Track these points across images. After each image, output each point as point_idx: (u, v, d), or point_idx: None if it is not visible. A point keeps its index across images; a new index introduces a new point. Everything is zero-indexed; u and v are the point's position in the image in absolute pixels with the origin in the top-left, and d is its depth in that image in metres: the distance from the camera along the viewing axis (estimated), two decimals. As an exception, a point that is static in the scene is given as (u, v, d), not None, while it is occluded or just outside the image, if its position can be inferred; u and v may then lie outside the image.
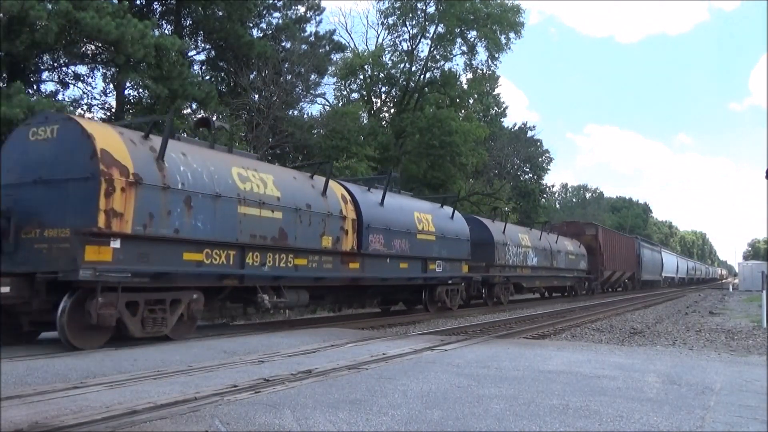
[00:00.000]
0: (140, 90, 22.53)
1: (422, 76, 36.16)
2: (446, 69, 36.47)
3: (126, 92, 22.66)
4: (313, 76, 27.58)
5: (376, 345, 8.88)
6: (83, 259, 7.91)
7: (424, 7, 34.94)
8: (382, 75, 36.55)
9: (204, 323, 12.59)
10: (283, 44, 26.02)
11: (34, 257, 8.31)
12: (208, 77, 24.63)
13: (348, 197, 13.26)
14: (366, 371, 6.52)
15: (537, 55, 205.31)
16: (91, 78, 22.15)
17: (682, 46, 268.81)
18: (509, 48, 36.47)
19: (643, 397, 5.37)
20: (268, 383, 5.71)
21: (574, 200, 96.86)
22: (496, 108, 47.71)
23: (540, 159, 50.05)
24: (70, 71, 20.93)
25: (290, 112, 26.21)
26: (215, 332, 10.62)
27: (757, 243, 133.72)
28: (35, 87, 18.93)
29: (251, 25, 25.02)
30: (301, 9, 27.60)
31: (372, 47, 37.34)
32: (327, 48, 29.15)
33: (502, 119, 48.55)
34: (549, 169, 51.80)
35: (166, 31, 21.80)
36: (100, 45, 18.01)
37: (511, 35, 36.18)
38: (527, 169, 49.11)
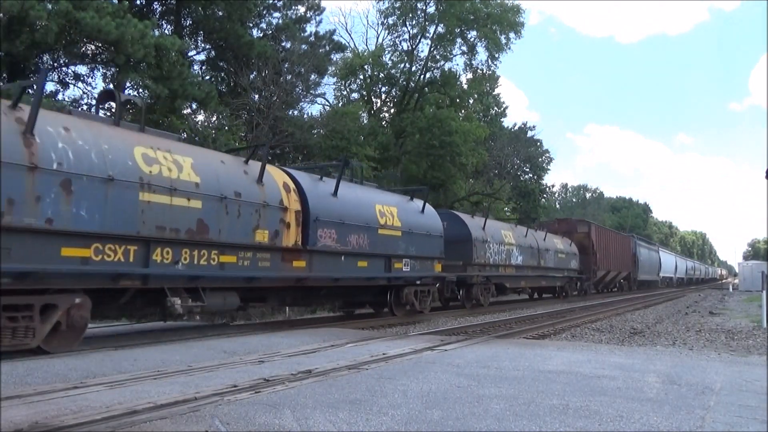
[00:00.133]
0: (140, 90, 22.52)
1: (422, 76, 36.17)
2: (446, 69, 36.49)
3: (126, 92, 22.65)
4: (313, 76, 27.58)
5: (376, 345, 8.88)
6: None
7: (424, 7, 34.95)
8: (382, 75, 36.55)
9: (204, 323, 12.61)
10: (283, 44, 26.02)
11: None
12: (208, 77, 24.63)
13: (292, 186, 11.62)
14: (366, 371, 6.52)
15: (537, 55, 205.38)
16: (91, 78, 22.16)
17: (682, 46, 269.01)
18: (509, 48, 36.50)
19: (643, 397, 5.37)
20: (268, 383, 5.71)
21: (574, 200, 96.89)
22: (496, 108, 47.69)
23: (540, 159, 50.02)
24: (70, 71, 20.93)
25: (290, 112, 26.21)
26: (215, 332, 10.63)
27: (757, 243, 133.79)
28: (35, 87, 18.89)
29: (251, 25, 25.02)
30: (301, 9, 27.62)
31: (372, 47, 37.38)
32: (327, 48, 29.15)
33: (502, 119, 48.54)
34: (549, 169, 51.77)
35: (166, 31, 21.81)
36: (100, 45, 18.01)
37: (511, 35, 36.20)
38: (527, 169, 49.08)
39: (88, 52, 19.14)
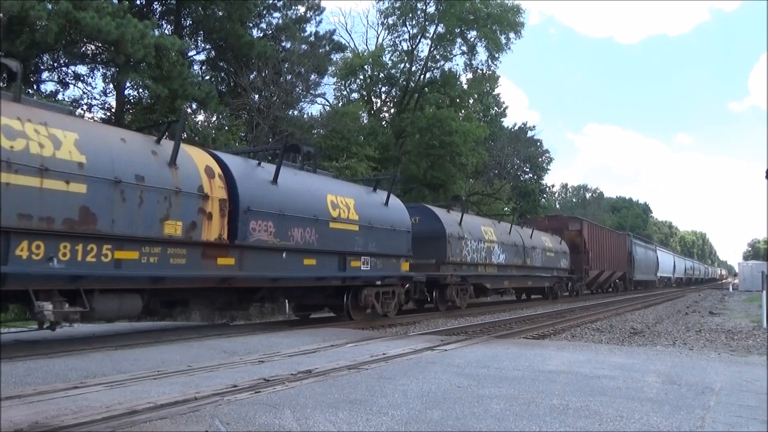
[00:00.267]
0: (140, 90, 22.53)
1: (422, 76, 36.18)
2: (446, 69, 36.50)
3: (126, 92, 22.67)
4: (313, 76, 27.57)
5: (376, 345, 8.88)
6: None
7: (424, 7, 34.95)
8: (382, 75, 36.56)
9: (204, 323, 12.61)
10: (283, 44, 26.01)
11: None
12: (208, 77, 24.62)
13: (217, 170, 9.95)
14: (366, 371, 6.52)
15: (537, 55, 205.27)
16: (91, 78, 22.18)
17: (682, 46, 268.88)
18: (509, 48, 36.49)
19: (643, 397, 5.37)
20: (268, 383, 5.71)
21: (574, 200, 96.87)
22: (496, 108, 47.71)
23: (540, 159, 50.03)
24: (70, 71, 20.94)
25: (290, 112, 26.20)
26: (215, 332, 10.62)
27: (757, 243, 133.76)
28: (35, 87, 18.93)
29: (251, 25, 25.01)
30: (301, 9, 27.61)
31: (372, 47, 37.38)
32: (327, 48, 29.13)
33: (502, 119, 48.57)
34: (549, 169, 51.77)
35: (166, 31, 21.80)
36: (100, 45, 18.02)
37: (511, 35, 36.19)
38: (527, 169, 49.08)
39: (88, 52, 19.15)
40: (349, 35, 44.63)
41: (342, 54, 33.71)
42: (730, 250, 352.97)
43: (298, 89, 26.48)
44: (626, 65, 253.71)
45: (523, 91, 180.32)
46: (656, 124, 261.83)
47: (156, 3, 23.59)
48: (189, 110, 22.32)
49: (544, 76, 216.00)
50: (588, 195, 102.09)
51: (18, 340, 9.26)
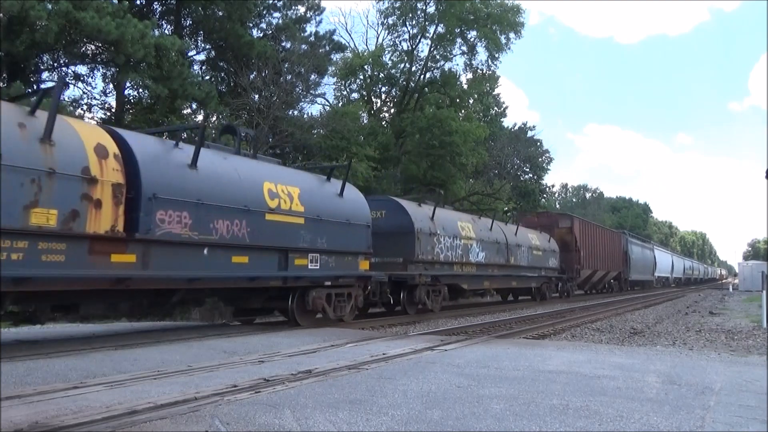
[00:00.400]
0: (140, 90, 22.53)
1: (422, 76, 36.17)
2: (446, 69, 36.48)
3: (126, 92, 22.67)
4: (313, 76, 27.56)
5: (376, 345, 8.88)
6: None
7: (424, 7, 34.94)
8: (382, 75, 36.54)
9: (204, 323, 12.60)
10: (283, 44, 26.01)
11: None
12: (208, 77, 24.62)
13: (113, 149, 8.29)
14: (366, 371, 6.52)
15: (537, 55, 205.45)
16: (91, 78, 22.16)
17: (682, 46, 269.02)
18: (509, 48, 36.47)
19: (643, 397, 5.37)
20: (268, 383, 5.71)
21: (574, 200, 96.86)
22: (496, 108, 47.70)
23: (540, 159, 50.02)
24: (70, 71, 20.93)
25: (290, 112, 26.19)
26: (215, 332, 10.62)
27: (757, 243, 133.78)
28: (35, 87, 18.91)
29: (251, 25, 25.01)
30: (301, 9, 27.60)
31: (372, 47, 37.36)
32: (327, 48, 29.13)
33: (502, 119, 48.56)
34: (549, 169, 51.78)
35: (166, 31, 21.80)
36: (100, 45, 18.00)
37: (511, 35, 36.17)
38: (527, 169, 49.07)
39: (88, 52, 19.14)
40: (349, 35, 44.67)
41: (342, 54, 33.73)
42: (730, 250, 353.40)
43: (298, 89, 26.47)
44: (626, 65, 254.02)
45: (523, 91, 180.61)
46: (656, 124, 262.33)
47: (156, 3, 23.59)
48: (189, 110, 22.36)
49: (544, 76, 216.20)
50: (588, 195, 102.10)
51: (18, 340, 9.26)
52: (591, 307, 22.43)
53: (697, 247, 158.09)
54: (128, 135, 9.04)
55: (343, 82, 36.47)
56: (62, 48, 17.97)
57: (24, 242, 7.24)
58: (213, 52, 25.34)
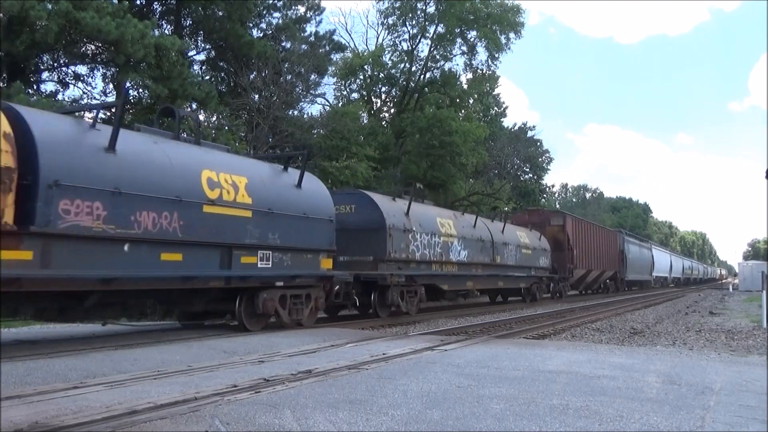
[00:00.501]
0: (140, 90, 22.53)
1: (422, 76, 36.18)
2: (446, 69, 36.50)
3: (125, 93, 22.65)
4: (313, 76, 27.58)
5: (376, 345, 8.88)
6: None
7: (424, 7, 34.95)
8: (382, 75, 36.56)
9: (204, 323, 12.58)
10: (283, 44, 26.03)
11: None
12: (208, 77, 24.63)
13: (4, 129, 7.18)
14: (366, 371, 6.52)
15: (537, 55, 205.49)
16: (91, 78, 22.19)
17: (682, 46, 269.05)
18: (509, 48, 36.49)
19: (643, 397, 5.37)
20: (268, 383, 5.71)
21: (574, 200, 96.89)
22: (496, 108, 47.71)
23: (540, 159, 50.05)
24: (70, 71, 20.95)
25: (290, 112, 26.21)
26: (215, 332, 10.62)
27: (757, 243, 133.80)
28: (35, 87, 18.94)
29: (251, 25, 25.03)
30: (301, 9, 27.62)
31: (372, 47, 37.38)
32: (327, 48, 29.15)
33: (502, 119, 48.58)
34: (549, 169, 51.82)
35: (166, 31, 21.81)
36: (100, 45, 18.01)
37: (511, 35, 36.19)
38: (527, 169, 49.10)
39: (88, 52, 19.15)
40: (349, 35, 44.66)
41: (342, 54, 33.76)
42: (730, 250, 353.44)
43: (298, 89, 26.49)
44: (626, 65, 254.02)
45: (523, 91, 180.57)
46: (656, 124, 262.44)
47: (156, 3, 23.60)
48: (189, 110, 22.35)
49: (544, 76, 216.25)
50: (588, 195, 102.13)
51: (18, 340, 9.27)
52: (591, 307, 22.43)
53: (697, 247, 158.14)
54: (27, 112, 7.84)
55: (343, 82, 36.50)
56: (62, 48, 17.97)
57: None
58: (213, 52, 25.36)
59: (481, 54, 37.13)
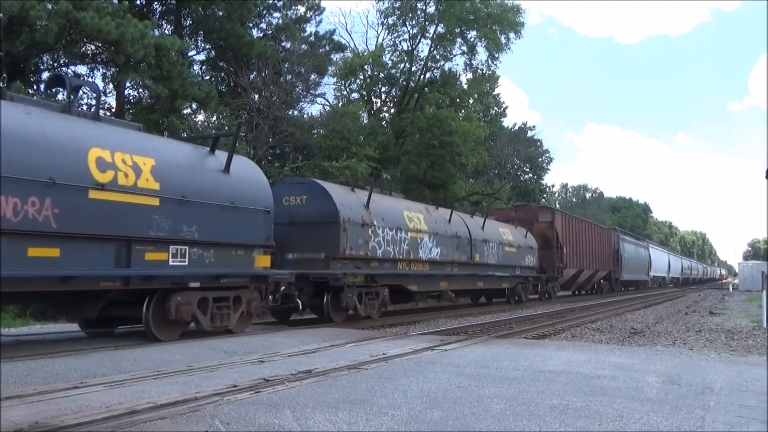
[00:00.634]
0: (140, 90, 22.54)
1: (422, 76, 36.18)
2: (446, 69, 36.50)
3: (126, 92, 22.67)
4: (313, 76, 27.57)
5: (376, 345, 8.88)
6: None
7: (424, 7, 34.95)
8: (382, 75, 36.56)
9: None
10: (283, 44, 26.03)
11: None
12: (208, 77, 24.64)
13: None
14: (366, 371, 6.52)
15: (537, 55, 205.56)
16: (91, 78, 22.17)
17: (682, 46, 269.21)
18: (509, 48, 36.48)
19: (643, 397, 5.37)
20: (268, 383, 5.71)
21: (574, 200, 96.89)
22: (496, 108, 47.73)
23: (540, 159, 50.08)
24: (70, 71, 20.93)
25: (290, 112, 26.20)
26: (214, 333, 10.61)
27: (757, 243, 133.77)
28: (35, 87, 18.93)
29: (251, 25, 25.03)
30: (301, 9, 27.62)
31: (372, 47, 37.38)
32: (327, 48, 29.15)
33: (502, 119, 48.60)
34: (549, 169, 51.89)
35: (166, 31, 21.81)
36: (100, 45, 18.01)
37: (511, 35, 36.18)
38: (527, 169, 49.13)
39: (88, 52, 19.14)
40: (349, 35, 44.69)
41: (342, 54, 33.75)
42: (730, 250, 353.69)
43: (298, 89, 26.47)
44: (626, 65, 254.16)
45: (523, 91, 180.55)
46: (656, 124, 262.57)
47: (156, 3, 23.60)
48: (189, 110, 22.37)
49: (544, 76, 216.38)
50: (588, 195, 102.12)
51: (18, 340, 9.27)
52: (591, 307, 22.43)
53: (697, 247, 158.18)
54: None
55: (343, 82, 36.51)
56: (62, 48, 17.97)
57: None
58: (213, 52, 25.36)
59: (481, 54, 37.17)
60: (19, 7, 14.36)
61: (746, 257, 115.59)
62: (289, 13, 26.86)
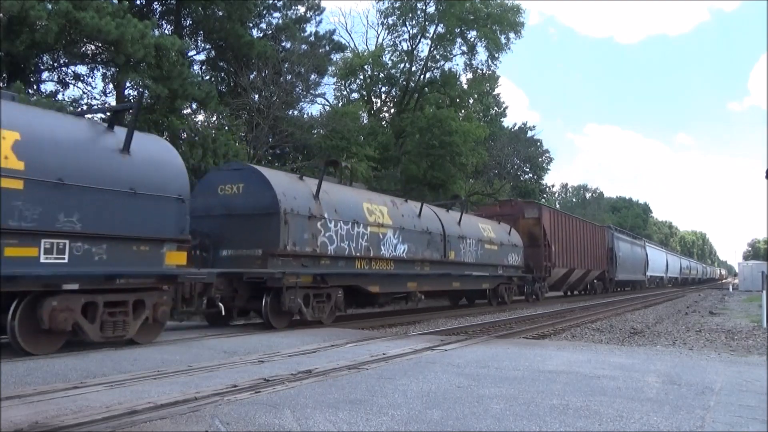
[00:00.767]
0: (140, 90, 22.53)
1: (422, 76, 36.21)
2: (446, 69, 36.55)
3: (126, 92, 22.66)
4: (313, 76, 27.59)
5: (376, 345, 8.88)
6: None
7: (424, 7, 34.98)
8: (382, 75, 36.59)
9: (205, 323, 12.59)
10: (283, 44, 26.04)
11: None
12: (208, 77, 24.64)
13: None
14: (366, 371, 6.52)
15: (537, 55, 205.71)
16: (91, 78, 22.20)
17: (682, 46, 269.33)
18: (509, 48, 36.53)
19: (643, 397, 5.37)
20: (268, 383, 5.71)
21: (574, 200, 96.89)
22: (496, 108, 47.74)
23: (540, 159, 50.06)
24: (70, 71, 20.95)
25: (290, 112, 26.21)
26: (215, 332, 10.62)
27: (757, 243, 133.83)
28: (35, 87, 18.94)
29: (251, 25, 25.03)
30: (301, 9, 27.63)
31: (372, 47, 37.41)
32: (327, 48, 29.16)
33: (502, 119, 48.60)
34: (549, 169, 51.86)
35: (166, 31, 21.81)
36: (100, 45, 18.01)
37: (511, 35, 36.23)
38: (527, 169, 49.13)
39: (88, 52, 19.14)
40: (349, 35, 44.70)
41: (342, 54, 33.77)
42: (730, 250, 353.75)
43: (298, 89, 26.49)
44: (626, 65, 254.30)
45: (523, 91, 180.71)
46: (656, 124, 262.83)
47: (156, 3, 23.60)
48: (189, 110, 22.37)
49: (544, 76, 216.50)
50: (588, 195, 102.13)
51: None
52: (591, 307, 22.43)
53: (697, 247, 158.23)
54: None
55: (343, 82, 36.54)
56: (62, 48, 17.97)
57: None
58: (213, 52, 25.37)
59: (481, 54, 37.21)
60: (19, 7, 14.36)
61: (746, 257, 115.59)
62: (289, 13, 26.88)
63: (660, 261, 54.97)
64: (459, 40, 36.13)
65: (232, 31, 22.53)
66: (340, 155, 25.53)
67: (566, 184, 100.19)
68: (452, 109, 34.75)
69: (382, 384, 5.77)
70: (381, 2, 36.42)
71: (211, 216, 11.53)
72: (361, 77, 36.49)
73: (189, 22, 24.22)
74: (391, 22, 36.40)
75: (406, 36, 36.27)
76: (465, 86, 38.99)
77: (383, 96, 38.13)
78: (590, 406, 4.99)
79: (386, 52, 36.80)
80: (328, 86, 37.59)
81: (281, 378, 5.98)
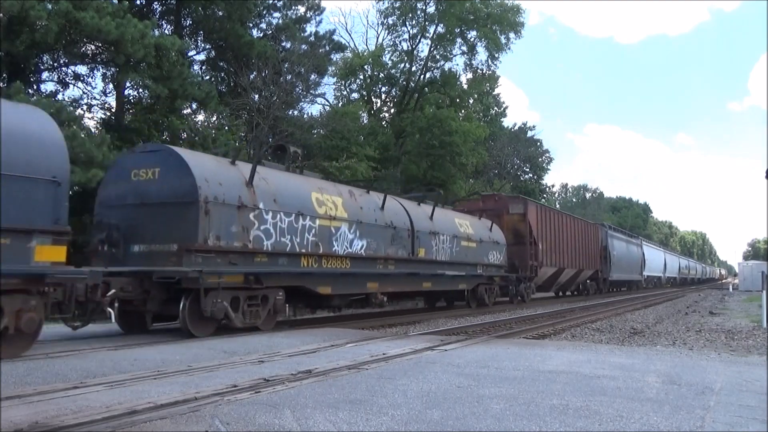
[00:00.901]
0: (140, 90, 22.54)
1: (422, 76, 36.23)
2: (446, 69, 36.60)
3: (126, 92, 22.68)
4: (313, 76, 27.61)
5: (376, 345, 8.88)
6: None
7: (424, 7, 35.01)
8: (382, 75, 36.63)
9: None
10: (283, 44, 26.05)
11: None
12: (208, 77, 24.65)
13: None
14: (366, 371, 6.52)
15: (537, 55, 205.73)
16: (91, 78, 22.19)
17: (682, 46, 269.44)
18: (509, 48, 36.61)
19: (643, 397, 5.37)
20: (268, 383, 5.71)
21: (574, 200, 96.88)
22: (496, 108, 47.78)
23: (540, 159, 50.09)
24: (70, 71, 20.96)
25: (290, 112, 26.23)
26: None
27: (757, 243, 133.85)
28: (35, 87, 18.93)
29: (251, 25, 25.05)
30: (301, 9, 27.65)
31: (372, 47, 37.46)
32: (327, 48, 29.18)
33: (502, 119, 48.64)
34: (549, 169, 51.96)
35: (166, 31, 21.82)
36: (100, 45, 18.01)
37: (511, 35, 36.30)
38: (527, 169, 49.16)
39: (88, 52, 19.15)
40: (349, 35, 44.71)
41: (342, 54, 33.81)
42: (730, 250, 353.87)
43: (298, 89, 26.50)
44: (626, 65, 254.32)
45: (523, 91, 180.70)
46: (656, 124, 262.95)
47: (156, 3, 23.60)
48: (189, 110, 22.39)
49: (544, 76, 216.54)
50: (588, 195, 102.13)
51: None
52: (591, 307, 22.43)
53: (697, 247, 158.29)
54: None
55: (343, 82, 36.58)
56: (62, 48, 17.97)
57: None
58: (213, 52, 25.38)
59: (481, 54, 37.27)
60: (19, 7, 14.36)
61: (746, 257, 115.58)
62: (289, 13, 26.90)
63: (657, 260, 53.72)
64: (459, 40, 36.21)
65: (232, 31, 22.54)
66: (340, 155, 25.55)
67: (566, 184, 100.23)
68: (452, 109, 34.79)
69: (382, 384, 5.77)
70: (381, 2, 36.51)
71: (123, 205, 10.10)
72: (361, 77, 36.54)
73: (189, 22, 24.23)
74: (391, 22, 36.47)
75: (406, 36, 36.35)
76: (465, 86, 39.04)
77: (383, 96, 38.19)
78: (590, 406, 4.98)
79: (386, 52, 36.87)
80: (328, 86, 37.66)
81: (281, 378, 5.98)
